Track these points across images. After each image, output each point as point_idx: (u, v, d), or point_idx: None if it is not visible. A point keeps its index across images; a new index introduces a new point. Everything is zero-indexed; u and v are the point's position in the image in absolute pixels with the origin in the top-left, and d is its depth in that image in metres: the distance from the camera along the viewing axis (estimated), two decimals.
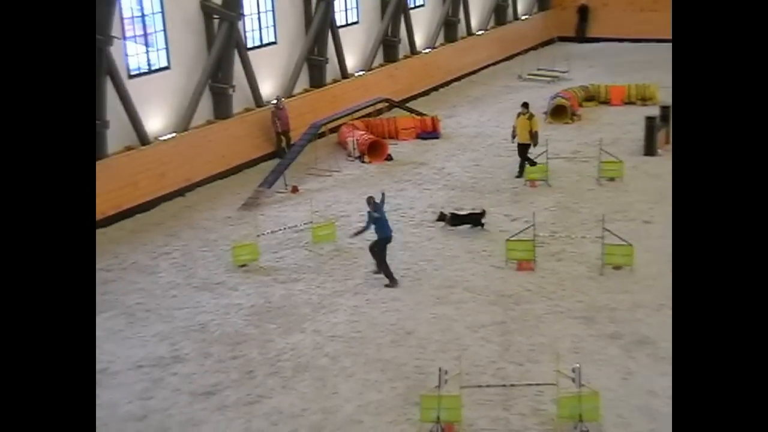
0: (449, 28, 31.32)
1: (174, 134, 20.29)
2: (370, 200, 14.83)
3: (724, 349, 6.30)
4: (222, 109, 21.70)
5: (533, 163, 19.84)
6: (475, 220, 16.56)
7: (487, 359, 12.31)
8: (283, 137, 22.38)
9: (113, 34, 17.98)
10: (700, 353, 6.34)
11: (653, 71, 29.08)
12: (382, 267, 14.79)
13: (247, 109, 22.60)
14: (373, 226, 14.79)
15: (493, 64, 32.89)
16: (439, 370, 10.65)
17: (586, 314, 13.58)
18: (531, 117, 19.65)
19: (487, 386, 11.42)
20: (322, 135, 22.59)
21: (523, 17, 35.91)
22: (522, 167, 19.97)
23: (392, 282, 14.67)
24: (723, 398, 6.22)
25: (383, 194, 15.16)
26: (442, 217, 15.59)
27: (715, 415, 6.20)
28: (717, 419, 6.19)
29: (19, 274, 6.12)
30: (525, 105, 20.02)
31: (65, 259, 6.28)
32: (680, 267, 6.68)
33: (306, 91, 24.81)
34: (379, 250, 14.79)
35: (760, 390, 6.16)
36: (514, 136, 20.14)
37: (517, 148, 20.19)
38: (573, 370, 10.51)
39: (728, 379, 6.25)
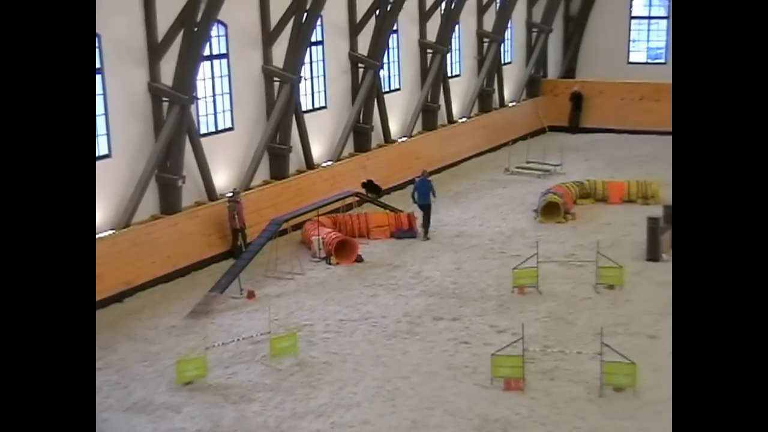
0: (428, 114, 31.95)
1: (113, 231, 20.26)
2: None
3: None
4: (170, 202, 21.77)
5: None
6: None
7: None
8: (239, 234, 22.42)
9: None
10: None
11: (655, 166, 29.74)
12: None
13: (199, 203, 22.70)
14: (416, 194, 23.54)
15: (477, 155, 33.39)
16: None
17: None
18: None
19: None
20: (283, 233, 22.66)
21: (511, 104, 36.71)
22: None
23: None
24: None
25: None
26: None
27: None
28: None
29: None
30: None
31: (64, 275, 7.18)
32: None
33: (266, 182, 25.00)
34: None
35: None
36: None
37: None
38: None
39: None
